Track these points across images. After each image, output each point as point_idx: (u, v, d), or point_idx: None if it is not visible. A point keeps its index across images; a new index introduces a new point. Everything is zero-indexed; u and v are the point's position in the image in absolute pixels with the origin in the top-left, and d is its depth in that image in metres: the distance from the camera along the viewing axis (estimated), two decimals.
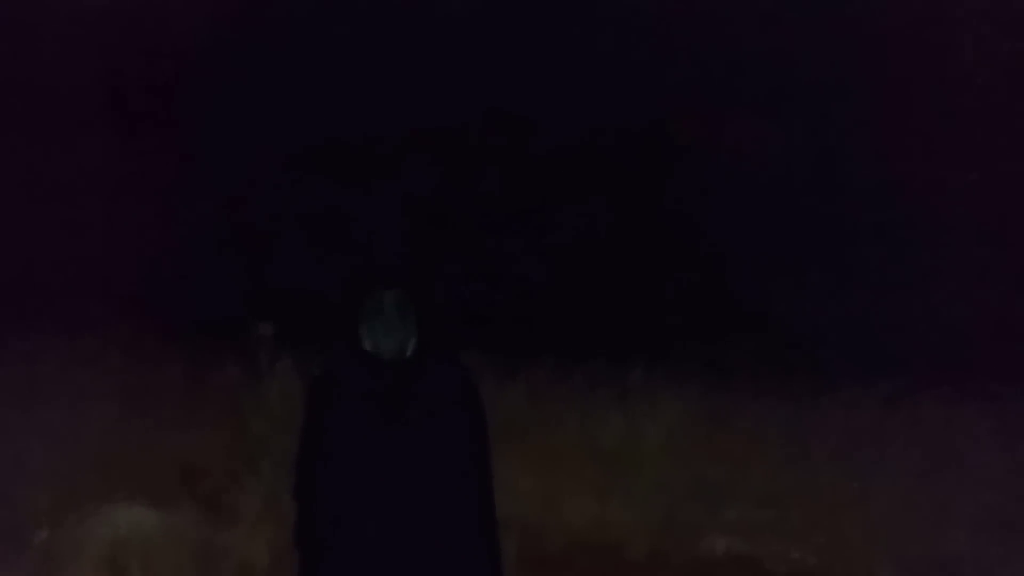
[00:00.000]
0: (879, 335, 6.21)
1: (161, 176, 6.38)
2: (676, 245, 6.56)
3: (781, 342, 6.35)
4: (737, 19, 6.96)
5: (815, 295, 6.47)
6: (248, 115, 6.69)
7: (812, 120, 6.86)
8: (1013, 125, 6.78)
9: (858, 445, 5.23)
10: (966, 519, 4.42)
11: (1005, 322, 6.19)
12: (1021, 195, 6.54)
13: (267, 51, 6.95)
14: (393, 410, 2.73)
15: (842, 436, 5.36)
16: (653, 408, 5.35)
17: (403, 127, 6.85)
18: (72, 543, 4.13)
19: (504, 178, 6.80)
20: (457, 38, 6.95)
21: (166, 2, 7.62)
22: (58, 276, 6.16)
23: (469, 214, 6.61)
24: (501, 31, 6.91)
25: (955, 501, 4.58)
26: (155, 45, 7.07)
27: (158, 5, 7.56)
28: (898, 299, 6.49)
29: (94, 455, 4.94)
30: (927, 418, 5.40)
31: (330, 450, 2.72)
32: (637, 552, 4.56)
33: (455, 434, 2.79)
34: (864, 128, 6.76)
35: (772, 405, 5.59)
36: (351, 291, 3.28)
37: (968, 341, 6.01)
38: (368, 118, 6.77)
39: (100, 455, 4.95)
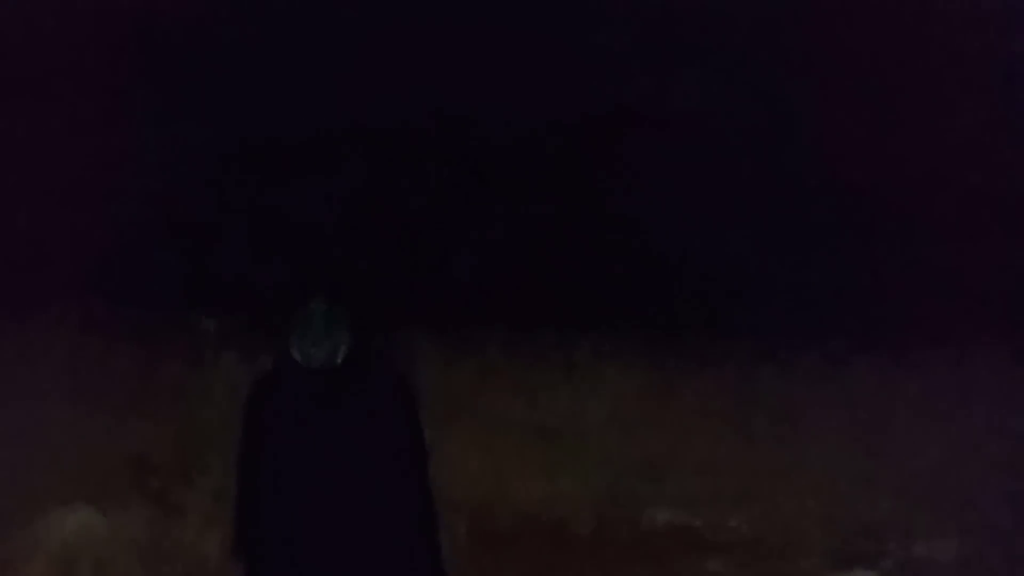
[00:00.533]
0: (817, 299, 6.37)
1: (101, 169, 6.29)
2: (618, 217, 6.65)
3: (724, 309, 6.48)
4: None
5: (755, 260, 6.60)
6: (187, 111, 6.64)
7: (743, 73, 6.94)
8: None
9: (794, 412, 5.41)
10: (893, 487, 4.63)
11: (943, 287, 6.36)
12: (952, 151, 6.68)
13: (208, 46, 6.86)
14: (324, 419, 2.78)
15: (780, 403, 5.54)
16: (598, 383, 5.49)
17: (341, 124, 6.85)
18: (23, 545, 4.16)
19: (443, 173, 6.85)
20: (398, 34, 6.95)
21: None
22: None
23: (407, 207, 6.67)
24: (442, 25, 6.92)
25: (884, 468, 4.78)
26: (95, 37, 6.94)
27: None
28: (837, 263, 6.63)
29: (43, 454, 4.95)
30: (860, 384, 5.59)
31: (264, 462, 2.79)
32: (583, 527, 4.72)
33: (389, 440, 2.85)
34: (808, 83, 6.87)
35: (714, 375, 5.74)
36: (283, 298, 3.31)
37: (905, 306, 6.17)
38: (306, 115, 6.76)
39: (49, 454, 4.96)
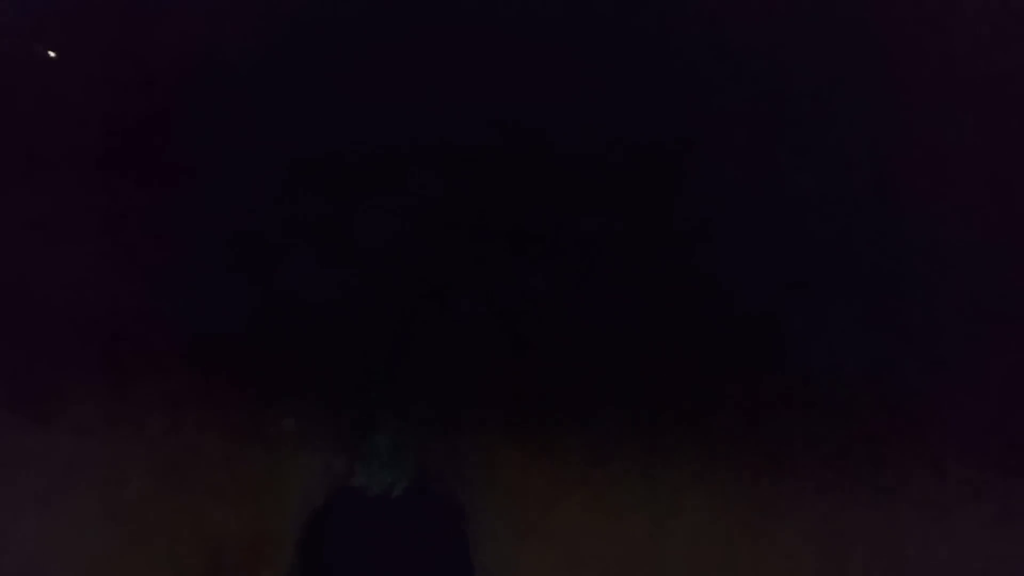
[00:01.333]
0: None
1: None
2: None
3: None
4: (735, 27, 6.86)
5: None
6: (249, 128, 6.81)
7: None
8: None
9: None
10: None
11: None
12: None
13: (270, 64, 7.10)
14: (381, 544, 2.78)
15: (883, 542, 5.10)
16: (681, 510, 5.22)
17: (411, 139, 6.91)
18: None
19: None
20: (467, 49, 6.98)
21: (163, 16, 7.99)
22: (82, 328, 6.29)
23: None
24: (511, 41, 6.91)
25: None
26: (153, 58, 7.30)
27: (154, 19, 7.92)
28: None
29: (125, 533, 5.05)
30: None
31: None
32: None
33: (443, 566, 2.83)
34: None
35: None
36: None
37: None
38: (377, 132, 6.83)
39: (130, 534, 5.05)
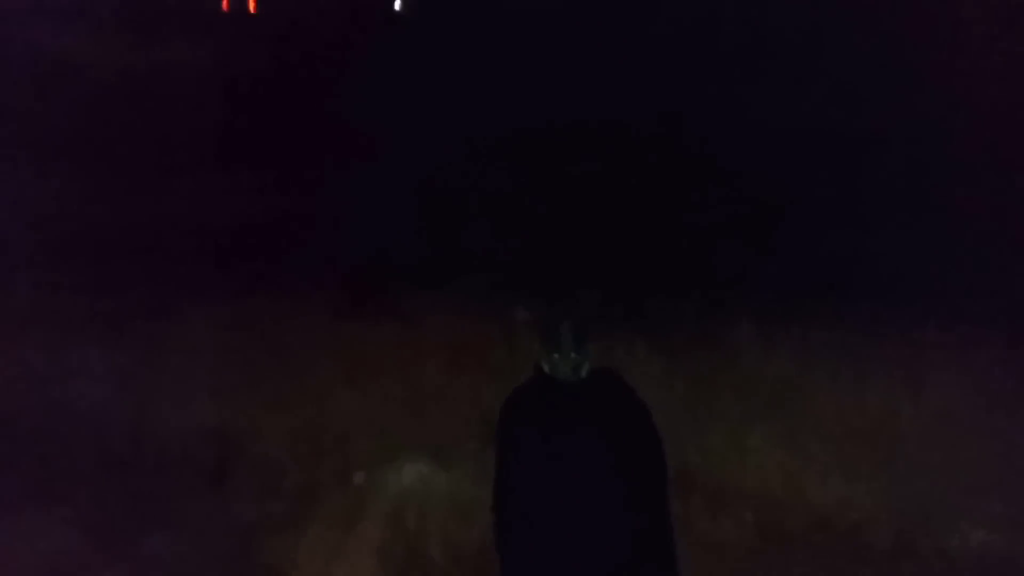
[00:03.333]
0: None
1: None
2: None
3: None
4: None
5: None
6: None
7: None
8: None
9: None
10: None
11: None
12: None
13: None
14: (569, 426, 3.15)
15: None
16: (919, 385, 5.08)
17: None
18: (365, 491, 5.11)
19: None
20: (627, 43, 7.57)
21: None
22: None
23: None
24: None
25: None
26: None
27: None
28: None
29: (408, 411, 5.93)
30: None
31: (518, 464, 3.17)
32: (880, 537, 4.48)
33: (626, 450, 3.14)
34: None
35: None
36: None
37: None
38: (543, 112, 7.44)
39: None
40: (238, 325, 6.87)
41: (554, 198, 7.52)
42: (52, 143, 10.84)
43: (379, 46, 11.15)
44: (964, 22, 6.97)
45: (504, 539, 3.19)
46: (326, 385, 6.09)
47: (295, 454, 5.54)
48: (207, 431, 5.81)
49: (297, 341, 6.62)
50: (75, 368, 6.34)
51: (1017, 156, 6.87)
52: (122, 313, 7.04)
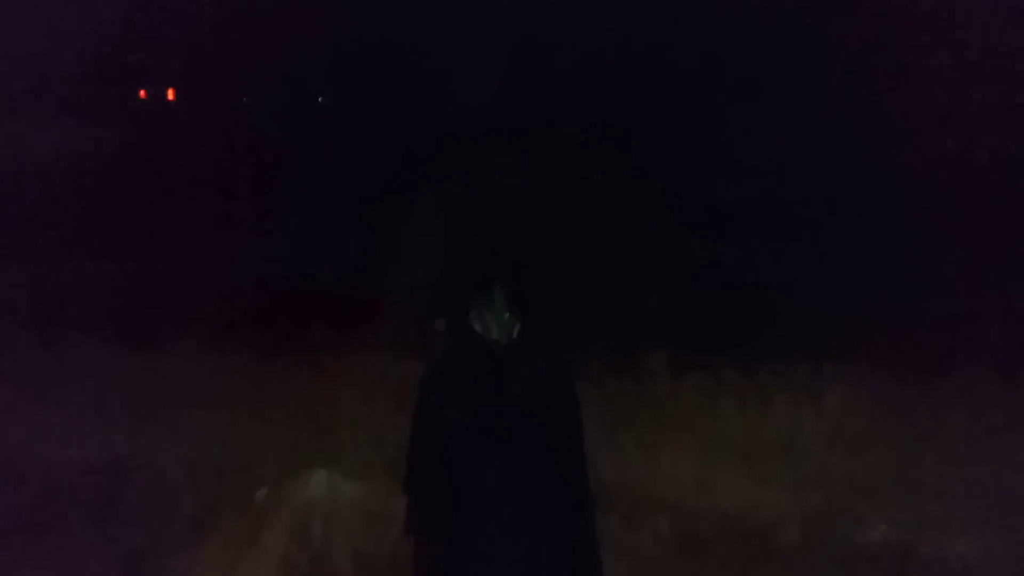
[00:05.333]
0: None
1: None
2: None
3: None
4: None
5: None
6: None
7: None
8: None
9: None
10: None
11: None
12: None
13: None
14: (496, 391, 3.08)
15: None
16: (820, 398, 5.32)
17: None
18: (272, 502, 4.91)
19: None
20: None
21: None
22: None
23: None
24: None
25: None
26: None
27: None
28: None
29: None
30: None
31: (439, 425, 2.99)
32: (790, 537, 4.57)
33: (552, 422, 3.08)
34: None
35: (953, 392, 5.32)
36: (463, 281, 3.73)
37: None
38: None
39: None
40: (133, 356, 6.60)
41: (473, 216, 7.65)
42: None
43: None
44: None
45: (419, 518, 3.03)
46: (228, 415, 5.87)
47: (192, 480, 5.28)
48: (96, 463, 5.53)
49: (198, 373, 6.39)
50: None
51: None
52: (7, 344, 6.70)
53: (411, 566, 3.06)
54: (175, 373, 6.45)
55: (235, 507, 4.92)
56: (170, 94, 14.55)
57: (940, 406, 5.10)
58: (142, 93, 14.41)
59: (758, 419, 5.24)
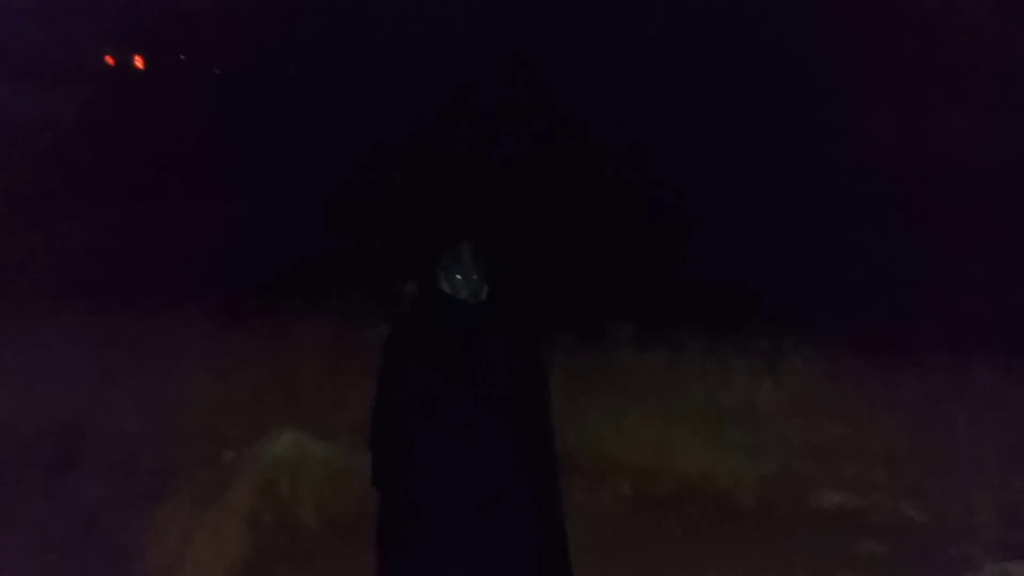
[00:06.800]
0: None
1: None
2: None
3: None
4: None
5: None
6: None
7: None
8: None
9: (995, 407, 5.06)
10: None
11: None
12: None
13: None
14: (463, 349, 3.10)
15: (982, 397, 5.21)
16: (777, 367, 5.47)
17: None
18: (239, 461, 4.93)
19: None
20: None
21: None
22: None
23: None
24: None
25: None
26: None
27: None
28: None
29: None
30: None
31: (408, 383, 2.97)
32: (747, 500, 4.71)
33: (515, 377, 3.11)
34: None
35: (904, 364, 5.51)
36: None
37: None
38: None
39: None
40: (96, 326, 6.53)
41: (448, 196, 7.71)
42: None
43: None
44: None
45: (384, 475, 3.03)
46: (192, 380, 5.84)
47: (154, 437, 5.27)
48: (53, 423, 5.48)
49: (164, 343, 6.34)
50: None
51: None
52: None
53: (375, 520, 3.09)
54: (139, 336, 6.41)
55: (201, 465, 4.93)
56: (138, 61, 14.28)
57: (891, 377, 5.27)
58: (109, 59, 14.14)
59: (718, 388, 5.35)
